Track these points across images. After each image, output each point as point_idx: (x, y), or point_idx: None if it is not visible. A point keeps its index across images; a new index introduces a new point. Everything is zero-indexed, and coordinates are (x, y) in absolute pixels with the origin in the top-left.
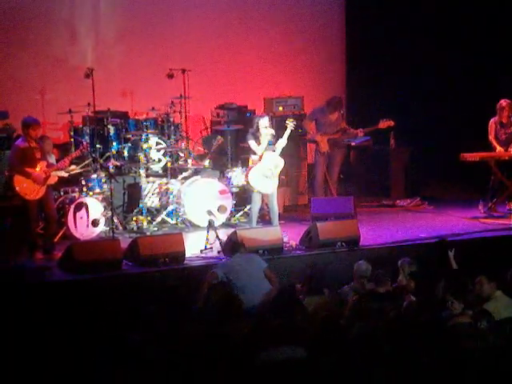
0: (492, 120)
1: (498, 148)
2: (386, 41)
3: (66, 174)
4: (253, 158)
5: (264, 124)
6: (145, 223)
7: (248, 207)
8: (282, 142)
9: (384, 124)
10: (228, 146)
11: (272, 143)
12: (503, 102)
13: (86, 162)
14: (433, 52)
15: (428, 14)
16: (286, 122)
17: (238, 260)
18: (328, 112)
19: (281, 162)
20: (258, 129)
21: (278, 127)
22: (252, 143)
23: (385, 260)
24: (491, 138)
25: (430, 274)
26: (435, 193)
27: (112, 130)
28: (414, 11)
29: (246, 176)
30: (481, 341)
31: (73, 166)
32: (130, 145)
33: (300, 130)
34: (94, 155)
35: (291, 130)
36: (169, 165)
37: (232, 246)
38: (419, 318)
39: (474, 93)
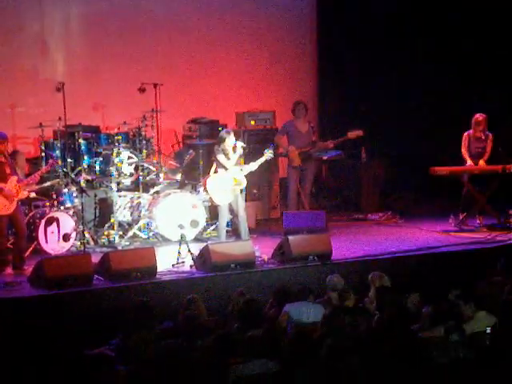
0: (466, 133)
1: (469, 161)
2: (358, 53)
3: (33, 194)
4: (219, 171)
5: (230, 143)
6: (116, 237)
7: None
8: (252, 167)
9: (353, 134)
10: (200, 160)
11: (242, 155)
12: (479, 117)
13: (49, 183)
14: (406, 65)
15: (401, 27)
16: (265, 150)
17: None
18: (295, 121)
19: (243, 182)
20: (225, 144)
21: (250, 141)
22: (221, 157)
23: (357, 274)
24: (464, 150)
25: (401, 288)
26: (407, 206)
27: (83, 144)
28: (386, 26)
29: (205, 183)
30: (452, 354)
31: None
32: (101, 159)
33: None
34: (65, 169)
35: (266, 160)
36: (140, 179)
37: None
38: (390, 331)
39: (447, 105)
